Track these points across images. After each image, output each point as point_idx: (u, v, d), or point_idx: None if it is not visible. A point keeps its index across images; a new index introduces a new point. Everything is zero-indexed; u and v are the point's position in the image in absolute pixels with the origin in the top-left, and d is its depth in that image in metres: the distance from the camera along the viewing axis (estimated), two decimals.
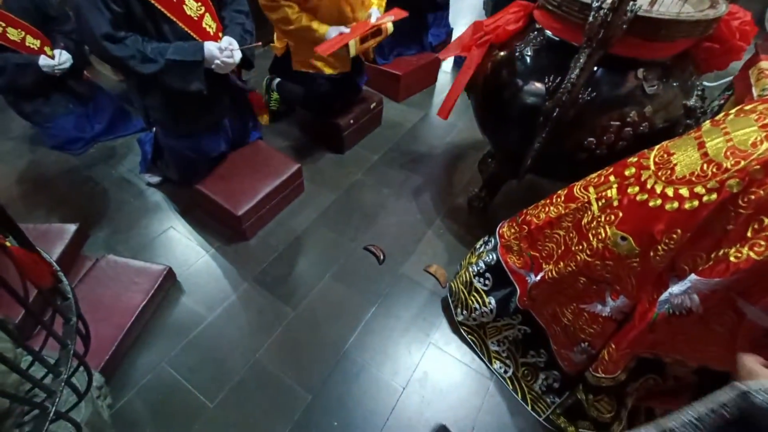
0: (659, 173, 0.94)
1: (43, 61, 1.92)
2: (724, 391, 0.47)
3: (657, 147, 1.02)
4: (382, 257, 1.78)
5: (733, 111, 0.92)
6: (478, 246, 1.56)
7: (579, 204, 1.12)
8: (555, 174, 1.61)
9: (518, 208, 1.41)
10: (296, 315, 1.57)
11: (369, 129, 2.45)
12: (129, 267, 1.56)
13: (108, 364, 1.31)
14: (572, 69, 1.22)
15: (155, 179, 2.04)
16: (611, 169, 1.10)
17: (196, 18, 1.38)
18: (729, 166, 0.81)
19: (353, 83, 2.21)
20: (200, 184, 1.78)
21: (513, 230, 1.36)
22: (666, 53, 1.25)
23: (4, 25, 1.82)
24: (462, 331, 1.51)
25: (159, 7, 1.30)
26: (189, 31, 1.39)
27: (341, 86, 2.09)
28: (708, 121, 0.96)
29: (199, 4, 1.37)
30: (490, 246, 1.45)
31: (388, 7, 1.97)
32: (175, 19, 1.35)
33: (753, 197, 0.77)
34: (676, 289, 0.88)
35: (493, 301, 1.38)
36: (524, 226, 1.31)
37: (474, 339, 1.49)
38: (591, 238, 1.05)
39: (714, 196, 0.82)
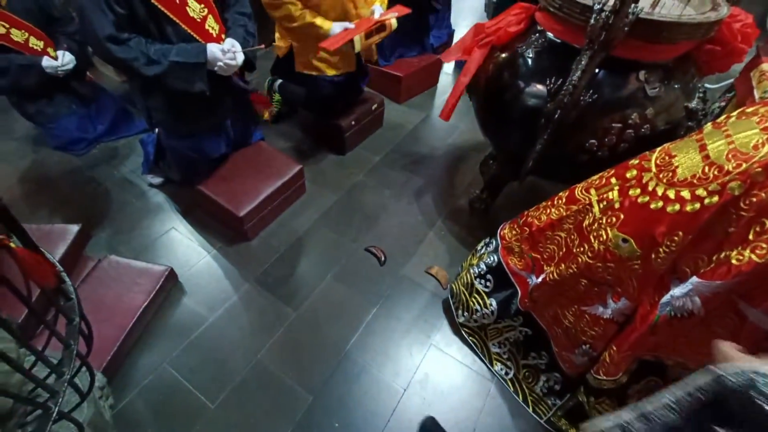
0: (661, 175, 0.94)
1: (46, 62, 1.93)
2: (699, 375, 0.48)
3: (658, 149, 1.02)
4: (383, 258, 1.78)
5: (734, 113, 0.92)
6: (479, 247, 1.56)
7: (580, 206, 1.12)
8: (556, 176, 1.61)
9: (519, 209, 1.41)
10: (297, 316, 1.57)
11: (370, 130, 2.46)
12: (131, 268, 1.56)
13: (110, 364, 1.32)
14: (574, 71, 1.22)
15: (157, 180, 2.04)
16: (612, 171, 1.10)
17: (199, 20, 1.39)
18: (730, 169, 0.81)
19: (355, 85, 2.22)
20: (202, 184, 1.78)
21: (514, 232, 1.36)
22: (667, 55, 1.25)
23: (7, 26, 1.83)
24: (463, 332, 1.51)
25: (162, 9, 1.31)
26: (192, 33, 1.39)
27: (343, 88, 2.09)
28: (709, 124, 0.96)
29: (202, 6, 1.38)
30: (491, 248, 1.46)
31: (390, 5, 1.97)
32: (178, 21, 1.35)
33: (754, 200, 0.77)
34: (677, 291, 0.88)
35: (494, 303, 1.38)
36: (525, 228, 1.31)
37: (475, 341, 1.49)
38: (592, 240, 1.05)
39: (715, 198, 0.82)
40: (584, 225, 1.10)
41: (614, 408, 1.14)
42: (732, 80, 1.90)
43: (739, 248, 0.78)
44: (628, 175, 1.03)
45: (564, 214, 1.17)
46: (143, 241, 1.81)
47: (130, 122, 2.40)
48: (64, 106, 2.17)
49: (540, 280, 1.21)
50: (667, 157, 0.97)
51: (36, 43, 1.92)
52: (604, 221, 1.03)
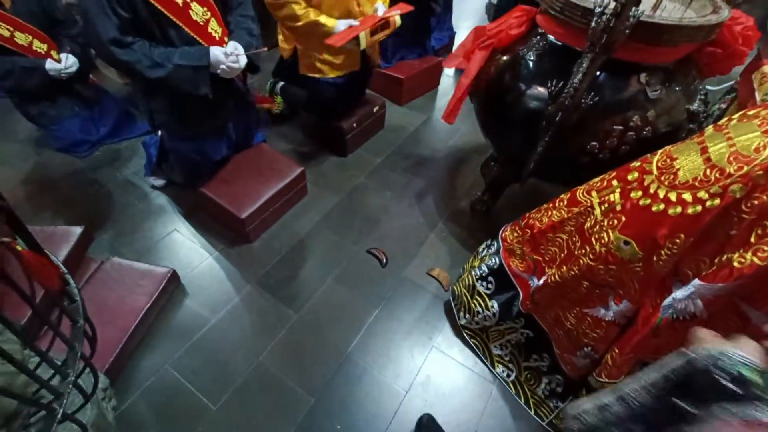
0: (662, 178, 0.95)
1: (49, 64, 1.94)
2: (674, 358, 0.51)
3: (660, 152, 1.02)
4: (384, 260, 1.78)
5: (736, 116, 0.92)
6: (480, 249, 1.56)
7: (582, 208, 1.13)
8: (558, 178, 1.61)
9: (521, 211, 1.41)
10: (299, 318, 1.57)
11: (372, 132, 2.46)
12: (133, 269, 1.57)
13: (112, 366, 1.32)
14: (575, 73, 1.22)
15: (159, 182, 2.05)
16: (614, 174, 1.10)
17: (202, 23, 1.40)
18: (732, 171, 0.81)
19: (358, 86, 2.22)
20: (204, 186, 1.79)
21: (516, 234, 1.36)
22: (668, 58, 1.25)
23: (11, 29, 1.84)
24: (465, 334, 1.52)
25: (166, 12, 1.32)
26: (195, 36, 1.40)
27: (346, 90, 2.10)
28: (711, 126, 0.96)
29: (205, 9, 1.39)
30: (492, 249, 1.46)
31: (392, 3, 1.98)
32: (181, 24, 1.36)
33: (756, 202, 0.77)
34: (679, 294, 0.88)
35: (495, 305, 1.38)
36: (527, 230, 1.31)
37: (477, 343, 1.49)
38: (594, 243, 1.05)
39: (717, 201, 0.82)
40: (586, 227, 1.10)
41: None
42: (732, 82, 1.90)
43: (741, 251, 0.79)
44: (629, 177, 1.03)
45: (565, 216, 1.17)
46: (146, 243, 1.81)
47: (133, 124, 2.41)
48: (67, 108, 2.18)
49: (541, 282, 1.21)
50: (668, 160, 0.97)
51: (39, 46, 1.93)
52: (605, 223, 1.03)
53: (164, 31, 1.37)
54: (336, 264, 1.76)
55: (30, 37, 1.89)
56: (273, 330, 1.53)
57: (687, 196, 0.87)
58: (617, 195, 1.04)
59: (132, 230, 1.87)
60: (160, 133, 1.82)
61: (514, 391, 1.38)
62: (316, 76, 1.99)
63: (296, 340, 1.51)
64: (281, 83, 2.33)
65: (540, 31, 1.42)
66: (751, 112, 0.89)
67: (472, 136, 2.44)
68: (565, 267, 1.12)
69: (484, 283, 1.43)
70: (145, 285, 1.51)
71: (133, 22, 1.30)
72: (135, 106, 2.39)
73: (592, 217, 1.09)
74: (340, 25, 1.76)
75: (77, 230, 1.62)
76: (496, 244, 1.45)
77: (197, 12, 1.37)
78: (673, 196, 0.90)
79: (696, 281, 0.85)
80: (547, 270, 1.21)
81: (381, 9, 1.84)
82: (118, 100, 2.41)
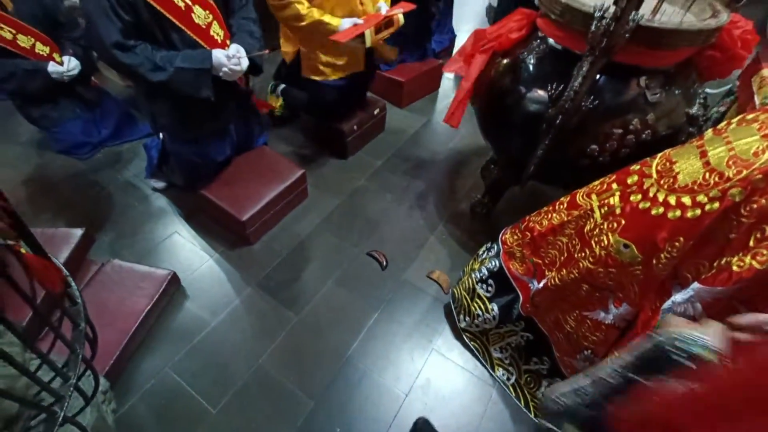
0: (661, 181, 0.95)
1: (52, 67, 1.95)
2: (644, 342, 0.55)
3: (659, 155, 1.03)
4: (384, 263, 1.78)
5: (735, 120, 0.92)
6: (480, 252, 1.56)
7: (582, 211, 1.13)
8: (558, 181, 1.62)
9: (521, 214, 1.42)
10: (299, 320, 1.57)
11: (372, 135, 2.47)
12: (134, 272, 1.57)
13: (112, 368, 1.32)
14: (575, 77, 1.23)
15: (160, 184, 2.05)
16: (614, 177, 1.10)
17: (204, 26, 1.40)
18: (731, 175, 0.81)
19: (360, 88, 2.22)
20: (205, 189, 1.79)
21: (516, 237, 1.37)
22: (668, 61, 1.26)
23: (14, 32, 1.85)
24: (465, 337, 1.52)
25: (168, 15, 1.32)
26: (197, 39, 1.41)
27: (347, 93, 2.10)
28: (710, 130, 0.96)
29: (208, 12, 1.39)
30: (492, 252, 1.46)
31: (394, 2, 1.98)
32: (183, 27, 1.37)
33: (755, 206, 0.78)
34: (678, 297, 0.88)
35: (495, 308, 1.38)
36: (527, 233, 1.31)
37: (477, 345, 1.49)
38: (594, 246, 1.05)
39: (716, 204, 0.82)
40: (585, 230, 1.10)
41: None
42: (730, 86, 1.90)
43: (740, 254, 0.79)
44: (629, 180, 1.04)
45: (565, 219, 1.17)
46: (146, 245, 1.82)
47: (134, 127, 2.42)
48: (69, 110, 2.19)
49: (541, 285, 1.21)
50: (668, 163, 0.97)
51: (42, 49, 1.94)
52: (605, 226, 1.03)
53: (166, 34, 1.37)
54: (336, 266, 1.77)
55: (32, 39, 1.90)
56: (273, 332, 1.53)
57: (686, 200, 0.87)
58: (617, 198, 1.04)
59: (132, 232, 1.87)
60: (161, 135, 1.83)
61: (514, 394, 1.38)
62: (319, 78, 1.99)
63: (296, 343, 1.51)
64: (282, 86, 2.34)
65: (540, 34, 1.42)
66: (750, 116, 0.90)
67: (472, 138, 2.45)
68: (565, 270, 1.13)
69: (484, 286, 1.43)
70: (145, 287, 1.52)
71: (135, 25, 1.30)
72: (136, 108, 2.40)
73: (591, 220, 1.09)
74: (345, 23, 1.75)
75: (78, 232, 1.62)
76: (496, 247, 1.45)
77: (199, 15, 1.38)
78: (672, 200, 0.90)
79: (695, 284, 0.85)
80: (547, 273, 1.21)
81: (384, 8, 1.84)
82: (120, 103, 2.42)
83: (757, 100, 1.57)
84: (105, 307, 1.44)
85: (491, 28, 1.56)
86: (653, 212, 0.93)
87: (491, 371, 1.44)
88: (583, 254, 1.08)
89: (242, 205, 1.74)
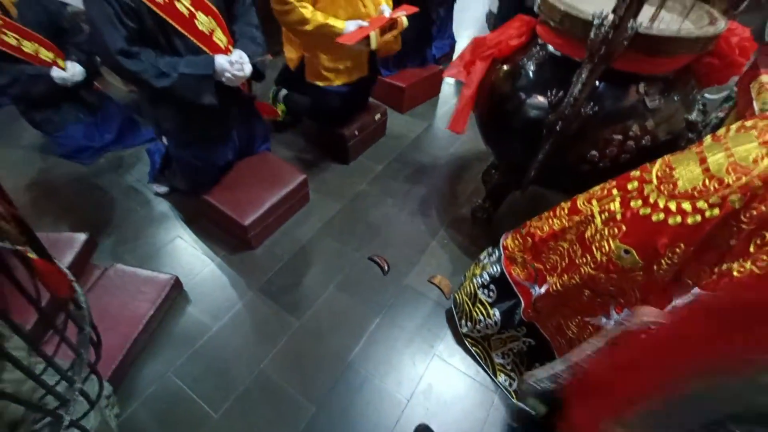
0: (662, 187, 0.96)
1: (55, 72, 1.97)
2: (613, 328, 0.65)
3: (659, 161, 1.03)
4: (386, 268, 1.79)
5: (733, 127, 0.93)
6: (482, 257, 1.57)
7: (582, 217, 1.14)
8: (558, 185, 1.63)
9: (522, 219, 1.42)
10: (301, 325, 1.57)
11: (373, 139, 2.48)
12: (136, 276, 1.58)
13: (115, 373, 1.32)
14: (575, 83, 1.24)
15: (162, 189, 2.06)
16: (614, 183, 1.11)
17: (207, 33, 1.42)
18: (731, 182, 0.82)
19: (362, 93, 2.23)
20: (207, 193, 1.80)
21: (517, 242, 1.37)
22: (667, 68, 1.27)
23: (19, 38, 1.87)
24: (466, 342, 1.52)
25: (172, 22, 1.34)
26: (200, 45, 1.42)
27: (349, 99, 2.11)
28: (709, 136, 0.97)
29: (211, 18, 1.41)
30: (494, 257, 1.46)
31: (396, 5, 1.99)
32: (187, 34, 1.38)
33: (755, 213, 0.79)
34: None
35: (497, 313, 1.38)
36: (528, 238, 1.32)
37: (478, 351, 1.49)
38: (595, 251, 1.06)
39: (716, 211, 0.83)
40: (586, 236, 1.11)
41: None
42: (728, 92, 1.92)
43: (741, 260, 0.80)
44: (629, 186, 1.05)
45: (566, 224, 1.18)
46: (148, 250, 1.82)
47: (137, 131, 2.43)
48: (71, 114, 2.21)
49: (543, 290, 1.22)
50: (667, 169, 0.98)
51: (46, 54, 1.96)
52: (606, 232, 1.04)
53: (170, 40, 1.39)
54: (338, 271, 1.77)
55: (37, 45, 1.92)
56: (275, 337, 1.53)
57: (686, 206, 0.88)
58: (617, 204, 1.05)
59: (135, 237, 1.88)
60: (164, 140, 1.84)
61: (515, 400, 1.38)
62: (323, 84, 1.99)
63: (298, 348, 1.51)
64: (284, 91, 2.36)
65: (540, 41, 1.44)
66: (748, 123, 0.91)
67: (473, 143, 2.46)
68: (566, 275, 1.13)
69: (486, 291, 1.43)
70: (147, 292, 1.52)
71: (139, 32, 1.31)
72: (139, 113, 2.41)
73: (592, 225, 1.10)
74: (350, 26, 1.75)
75: (82, 237, 1.63)
76: (497, 252, 1.45)
77: (203, 22, 1.40)
78: (672, 206, 0.91)
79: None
80: (548, 278, 1.22)
81: (386, 10, 1.85)
82: (122, 107, 2.43)
83: (755, 105, 1.58)
84: (107, 312, 1.44)
85: (491, 35, 1.58)
86: (654, 218, 0.93)
87: (493, 377, 1.44)
88: (585, 260, 1.08)
89: (244, 209, 1.74)
